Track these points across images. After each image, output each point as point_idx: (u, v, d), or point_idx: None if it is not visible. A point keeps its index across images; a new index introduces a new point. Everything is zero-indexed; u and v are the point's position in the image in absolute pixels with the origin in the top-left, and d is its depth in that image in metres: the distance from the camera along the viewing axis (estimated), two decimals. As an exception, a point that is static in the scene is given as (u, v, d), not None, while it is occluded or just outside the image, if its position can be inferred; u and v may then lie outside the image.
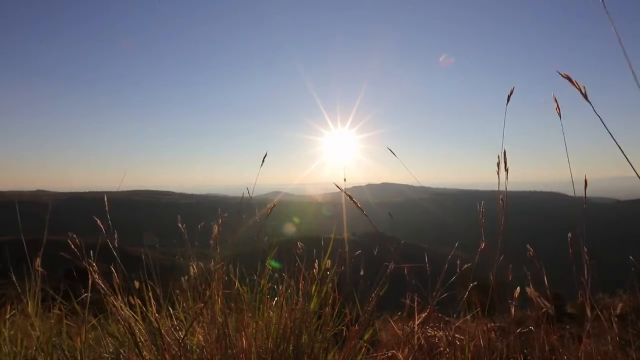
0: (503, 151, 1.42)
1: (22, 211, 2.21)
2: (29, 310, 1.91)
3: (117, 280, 1.76)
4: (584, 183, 1.30)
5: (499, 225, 1.54)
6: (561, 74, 1.05)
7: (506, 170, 1.43)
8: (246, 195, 1.91)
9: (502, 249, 1.56)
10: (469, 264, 1.67)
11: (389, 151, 1.63)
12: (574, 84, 1.05)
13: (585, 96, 1.04)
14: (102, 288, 1.51)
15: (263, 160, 1.81)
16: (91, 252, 1.72)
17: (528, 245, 1.61)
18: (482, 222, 1.62)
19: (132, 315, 1.59)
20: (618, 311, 1.63)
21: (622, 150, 1.02)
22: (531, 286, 1.43)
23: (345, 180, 1.71)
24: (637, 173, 1.01)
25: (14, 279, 2.01)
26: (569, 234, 1.46)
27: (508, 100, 1.36)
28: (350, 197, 1.51)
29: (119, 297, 1.80)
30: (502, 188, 1.46)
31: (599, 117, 1.05)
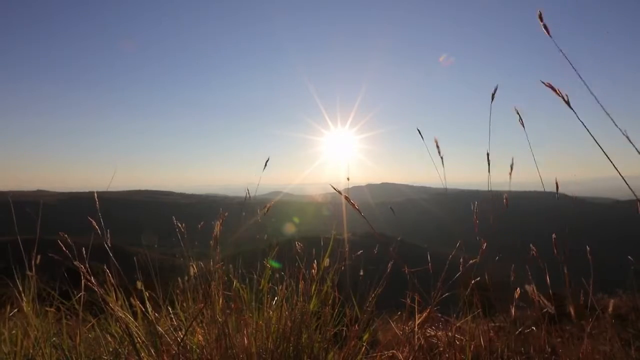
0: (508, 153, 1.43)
1: (22, 211, 2.21)
2: (25, 310, 1.91)
3: (112, 281, 1.76)
4: (555, 184, 1.33)
5: (498, 225, 1.55)
6: (544, 83, 1.08)
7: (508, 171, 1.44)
8: (247, 195, 1.91)
9: (497, 248, 1.57)
10: (471, 262, 1.67)
11: (396, 144, 1.64)
12: (556, 92, 1.07)
13: (568, 103, 1.06)
14: (96, 288, 1.51)
15: (265, 165, 1.84)
16: (84, 251, 1.73)
17: (532, 245, 1.61)
18: (476, 223, 1.62)
19: (127, 316, 1.59)
20: (610, 309, 1.63)
21: (604, 151, 1.02)
22: (532, 286, 1.43)
23: (348, 179, 1.71)
24: (622, 175, 1.01)
25: (15, 278, 2.01)
26: (553, 235, 1.47)
27: (492, 98, 1.38)
28: (348, 199, 1.51)
29: (116, 296, 1.80)
30: (494, 188, 1.47)
31: (583, 123, 1.06)
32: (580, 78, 1.03)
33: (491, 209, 1.52)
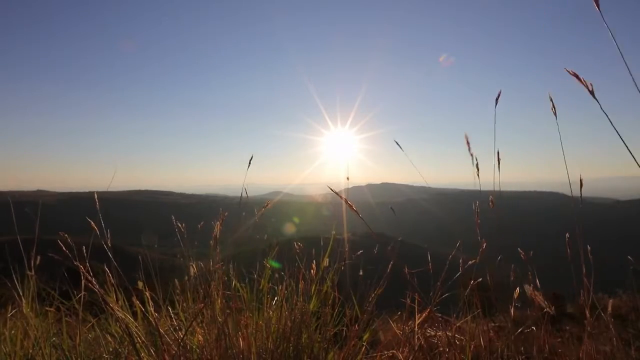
0: (496, 151, 1.42)
1: (22, 211, 2.21)
2: (25, 310, 1.91)
3: (112, 281, 1.76)
4: (579, 183, 1.30)
5: (498, 225, 1.54)
6: (569, 72, 1.03)
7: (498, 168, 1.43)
8: (244, 195, 1.92)
9: (500, 249, 1.57)
10: (471, 262, 1.67)
11: (396, 145, 1.62)
12: (581, 81, 1.04)
13: (592, 94, 1.03)
14: (96, 288, 1.51)
15: (249, 163, 1.85)
16: (85, 251, 1.73)
17: (519, 249, 1.61)
18: (477, 222, 1.62)
19: (127, 316, 1.59)
20: (609, 309, 1.63)
21: (628, 149, 1.02)
22: (531, 286, 1.43)
23: (348, 179, 1.71)
24: None
25: (14, 278, 2.01)
26: (567, 235, 1.46)
27: (496, 102, 1.37)
28: (346, 200, 1.51)
29: (116, 297, 1.80)
30: (493, 188, 1.46)
31: (606, 114, 1.04)
32: (630, 73, 0.99)
33: (493, 209, 1.51)
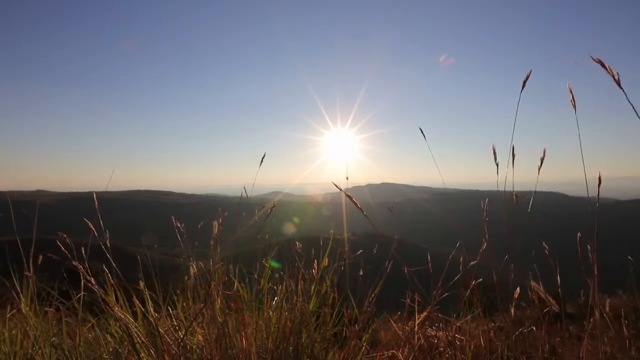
0: (511, 146, 1.40)
1: (21, 211, 2.20)
2: (24, 310, 1.91)
3: (111, 281, 1.76)
4: (598, 181, 1.26)
5: (499, 225, 1.54)
6: (594, 59, 1.01)
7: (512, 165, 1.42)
8: (244, 195, 1.91)
9: (506, 249, 1.56)
10: (472, 264, 1.67)
11: (395, 144, 1.62)
12: (606, 69, 1.01)
13: (618, 83, 1.01)
14: (95, 288, 1.51)
15: (261, 161, 1.83)
16: (84, 251, 1.73)
17: (544, 244, 1.59)
18: (485, 221, 1.61)
19: (127, 316, 1.59)
20: (607, 309, 1.62)
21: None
22: (534, 284, 1.43)
23: (347, 179, 1.71)
24: None
25: (12, 278, 2.00)
26: (578, 234, 1.45)
27: (523, 85, 1.29)
28: (350, 197, 1.51)
29: (116, 297, 1.80)
30: (507, 187, 1.46)
31: (632, 105, 1.02)
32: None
33: (505, 209, 1.50)
